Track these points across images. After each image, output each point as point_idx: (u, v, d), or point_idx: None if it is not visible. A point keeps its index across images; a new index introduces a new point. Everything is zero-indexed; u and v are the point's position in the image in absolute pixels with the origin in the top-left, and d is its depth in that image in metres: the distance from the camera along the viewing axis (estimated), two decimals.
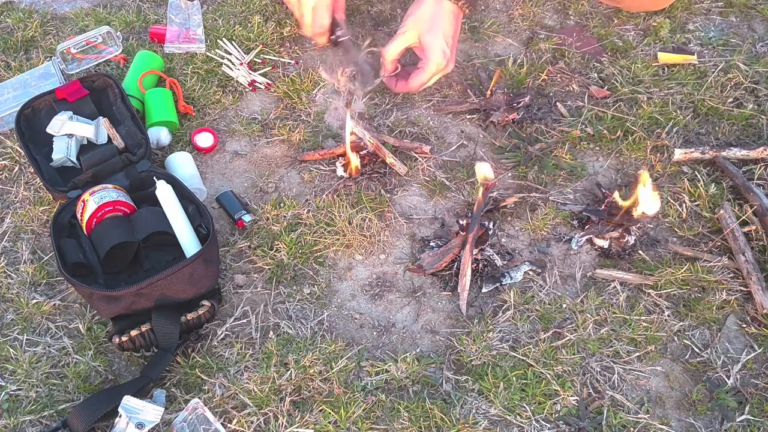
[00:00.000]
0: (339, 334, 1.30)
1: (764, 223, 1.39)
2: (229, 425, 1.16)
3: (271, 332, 1.29)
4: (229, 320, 1.31)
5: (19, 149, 1.55)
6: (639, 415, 1.18)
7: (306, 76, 1.72)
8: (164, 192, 1.35)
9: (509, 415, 1.18)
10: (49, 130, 1.47)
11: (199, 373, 1.23)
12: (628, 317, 1.30)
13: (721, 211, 1.42)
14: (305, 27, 1.56)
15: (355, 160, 1.49)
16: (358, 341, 1.29)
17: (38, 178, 1.47)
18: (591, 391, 1.22)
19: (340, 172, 1.53)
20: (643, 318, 1.30)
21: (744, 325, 1.29)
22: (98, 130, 1.48)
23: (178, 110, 1.63)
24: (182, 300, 1.24)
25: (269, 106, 1.68)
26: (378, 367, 1.24)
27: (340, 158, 1.55)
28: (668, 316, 1.31)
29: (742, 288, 1.34)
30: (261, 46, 1.79)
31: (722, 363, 1.25)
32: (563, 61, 1.77)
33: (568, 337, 1.27)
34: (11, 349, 1.26)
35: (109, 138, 1.48)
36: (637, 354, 1.26)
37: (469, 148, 1.60)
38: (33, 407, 1.19)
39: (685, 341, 1.28)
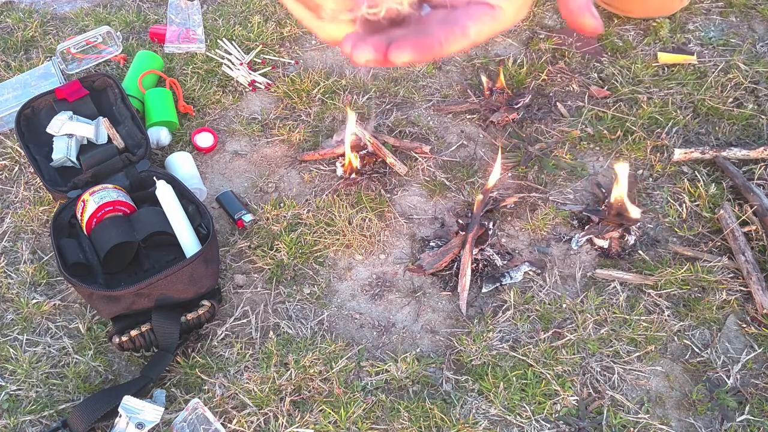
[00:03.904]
0: (339, 334, 1.30)
1: (764, 223, 1.39)
2: (229, 425, 1.16)
3: (271, 332, 1.29)
4: (229, 320, 1.31)
5: (19, 149, 1.55)
6: (639, 415, 1.18)
7: (306, 76, 1.72)
8: (164, 192, 1.35)
9: (509, 415, 1.18)
10: (49, 130, 1.47)
11: (199, 373, 1.22)
12: (628, 317, 1.30)
13: (721, 211, 1.42)
14: None
15: (354, 160, 1.49)
16: (358, 341, 1.29)
17: (38, 178, 1.47)
18: (591, 391, 1.22)
19: (340, 172, 1.53)
20: (643, 318, 1.30)
21: (744, 325, 1.29)
22: (98, 130, 1.48)
23: (178, 110, 1.63)
24: (182, 300, 1.24)
25: (269, 106, 1.68)
26: (378, 367, 1.24)
27: (340, 158, 1.55)
28: (668, 316, 1.31)
29: (742, 288, 1.34)
30: (261, 46, 1.79)
31: (722, 363, 1.25)
32: (563, 61, 1.77)
33: (568, 337, 1.27)
34: (11, 349, 1.26)
35: (109, 138, 1.48)
36: (637, 354, 1.26)
37: (469, 148, 1.60)
38: (33, 407, 1.19)
39: (685, 341, 1.28)
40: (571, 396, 1.20)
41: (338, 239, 1.42)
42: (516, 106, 1.63)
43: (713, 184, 1.50)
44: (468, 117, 1.66)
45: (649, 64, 1.74)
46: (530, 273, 1.38)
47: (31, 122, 1.52)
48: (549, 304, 1.32)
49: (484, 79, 1.69)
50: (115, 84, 1.56)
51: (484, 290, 1.35)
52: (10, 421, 1.17)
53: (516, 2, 0.48)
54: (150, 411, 1.13)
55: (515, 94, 1.66)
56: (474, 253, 1.37)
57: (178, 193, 1.37)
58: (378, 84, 1.71)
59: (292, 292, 1.35)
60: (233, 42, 1.79)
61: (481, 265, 1.38)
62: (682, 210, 1.46)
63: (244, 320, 1.31)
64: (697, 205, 1.47)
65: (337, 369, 1.22)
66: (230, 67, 1.74)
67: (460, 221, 1.43)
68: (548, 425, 1.17)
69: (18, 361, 1.25)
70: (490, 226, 1.44)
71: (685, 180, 1.51)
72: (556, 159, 1.56)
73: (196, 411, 1.14)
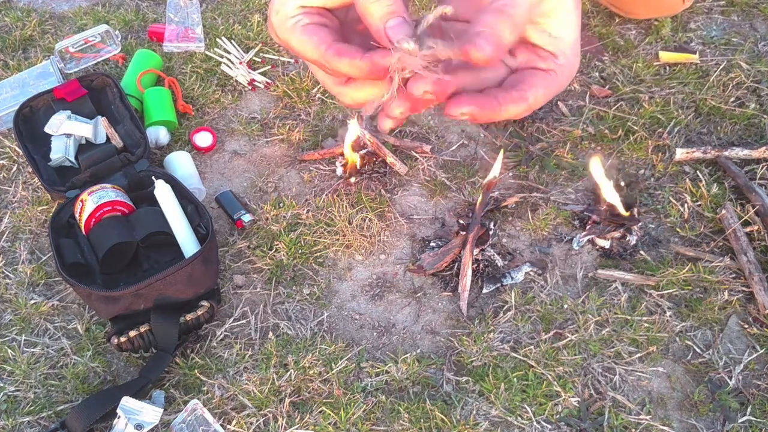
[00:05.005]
0: (339, 335, 1.29)
1: (766, 224, 1.39)
2: (228, 426, 1.15)
3: (271, 333, 1.28)
4: (228, 321, 1.30)
5: (17, 149, 1.54)
6: (640, 416, 1.18)
7: (306, 75, 1.71)
8: (163, 192, 1.34)
9: (510, 416, 1.17)
10: (47, 129, 1.46)
11: (198, 374, 1.22)
12: (629, 318, 1.29)
13: (723, 211, 1.41)
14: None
15: (354, 159, 1.49)
16: (358, 342, 1.28)
17: (36, 178, 1.47)
18: (592, 392, 1.21)
19: (339, 171, 1.53)
20: (644, 318, 1.29)
21: (746, 326, 1.29)
22: (97, 130, 1.47)
23: (177, 109, 1.63)
24: (181, 300, 1.24)
25: (269, 106, 1.68)
26: (378, 368, 1.23)
27: (340, 158, 1.54)
28: (670, 316, 1.30)
29: (744, 288, 1.33)
30: (260, 44, 1.78)
31: (724, 364, 1.24)
32: None
33: (569, 338, 1.26)
34: (9, 350, 1.26)
35: (107, 137, 1.48)
36: (639, 355, 1.25)
37: (470, 147, 1.60)
38: (31, 408, 1.19)
39: (686, 342, 1.27)
40: (573, 397, 1.19)
41: (338, 239, 1.42)
42: None
43: (715, 184, 1.49)
44: None
45: (650, 63, 1.74)
46: (531, 273, 1.37)
47: (30, 121, 1.51)
48: (550, 305, 1.32)
49: None
50: (113, 83, 1.55)
51: (484, 291, 1.35)
52: (9, 422, 1.17)
53: (566, 65, 0.48)
54: (149, 412, 1.12)
55: None
56: (475, 253, 1.36)
57: (177, 192, 1.36)
58: None
59: (291, 293, 1.35)
60: (232, 41, 1.78)
61: (481, 265, 1.37)
62: (684, 210, 1.46)
63: (244, 321, 1.31)
64: (699, 205, 1.47)
65: (336, 370, 1.22)
66: (229, 66, 1.73)
67: (461, 221, 1.42)
68: (549, 426, 1.16)
69: (16, 362, 1.24)
70: (491, 226, 1.43)
71: (687, 180, 1.51)
72: (557, 159, 1.56)
73: (195, 412, 1.13)
